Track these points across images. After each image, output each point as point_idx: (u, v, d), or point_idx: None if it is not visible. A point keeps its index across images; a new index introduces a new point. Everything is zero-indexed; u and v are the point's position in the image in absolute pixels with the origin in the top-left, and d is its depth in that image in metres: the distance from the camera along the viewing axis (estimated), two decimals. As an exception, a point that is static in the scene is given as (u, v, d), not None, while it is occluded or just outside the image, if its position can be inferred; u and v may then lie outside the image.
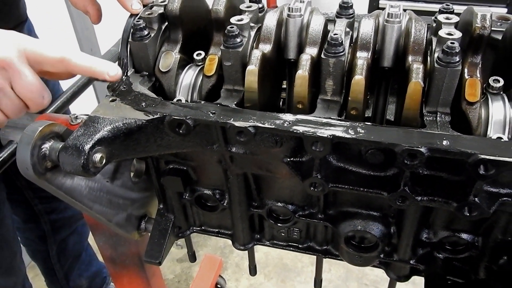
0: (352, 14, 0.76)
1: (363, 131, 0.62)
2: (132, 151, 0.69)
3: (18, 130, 0.98)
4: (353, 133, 0.62)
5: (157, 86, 0.79)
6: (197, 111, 0.68)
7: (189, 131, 0.67)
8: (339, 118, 0.65)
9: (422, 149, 0.58)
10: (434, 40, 0.68)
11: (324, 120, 0.64)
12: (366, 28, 0.71)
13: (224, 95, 0.74)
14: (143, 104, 0.70)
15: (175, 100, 0.74)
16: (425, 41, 0.69)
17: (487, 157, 0.56)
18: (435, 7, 0.81)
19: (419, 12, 0.76)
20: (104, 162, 0.65)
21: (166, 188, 0.89)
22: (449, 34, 0.65)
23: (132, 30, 0.75)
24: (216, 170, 0.84)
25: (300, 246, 0.93)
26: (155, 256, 0.93)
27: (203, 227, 0.99)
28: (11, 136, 0.99)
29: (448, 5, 0.74)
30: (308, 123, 0.64)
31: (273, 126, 0.64)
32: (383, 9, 0.77)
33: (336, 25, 0.73)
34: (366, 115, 0.86)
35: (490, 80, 0.67)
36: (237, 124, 0.65)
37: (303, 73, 0.68)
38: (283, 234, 0.93)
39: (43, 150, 0.65)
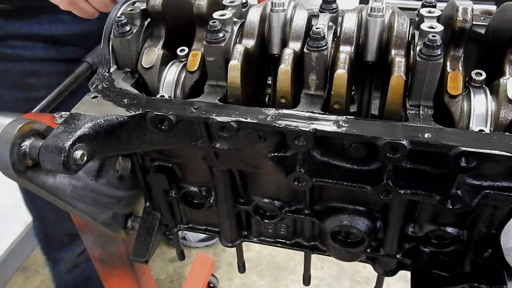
0: (335, 9, 0.76)
1: (345, 125, 0.61)
2: (114, 148, 0.69)
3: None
4: (335, 127, 0.61)
5: (141, 83, 0.79)
6: (180, 107, 0.67)
7: (171, 127, 0.67)
8: (322, 112, 0.65)
9: (404, 142, 0.58)
10: (417, 33, 0.68)
11: (307, 114, 0.64)
12: (349, 22, 0.71)
13: (208, 91, 0.74)
14: (125, 100, 0.69)
15: (158, 96, 0.73)
16: (407, 35, 0.69)
17: (468, 149, 0.56)
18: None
19: (407, 10, 0.76)
20: (85, 160, 0.64)
21: (152, 186, 0.89)
22: (431, 27, 0.65)
23: (113, 26, 0.74)
24: (201, 167, 0.83)
25: (288, 242, 0.93)
26: (142, 255, 0.93)
27: (190, 225, 0.98)
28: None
29: (431, -1, 0.74)
30: (290, 118, 0.64)
31: (256, 121, 0.64)
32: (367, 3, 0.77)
33: (319, 20, 0.73)
34: (351, 110, 0.86)
35: (473, 74, 0.67)
36: (219, 119, 0.64)
37: (285, 67, 0.67)
38: (270, 231, 0.93)
39: (23, 148, 0.64)
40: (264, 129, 0.64)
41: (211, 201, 0.88)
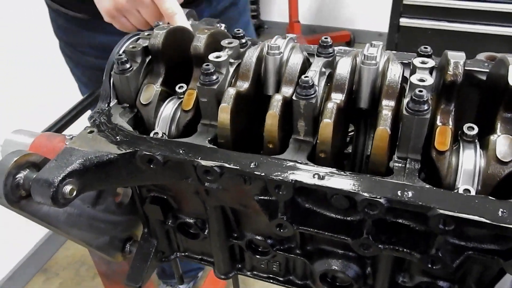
0: (331, 53, 0.76)
1: (327, 177, 0.61)
2: (105, 183, 0.71)
3: (18, 146, 1.02)
4: (316, 178, 0.61)
5: (139, 117, 0.81)
6: (168, 147, 0.69)
7: (160, 166, 0.69)
8: (306, 162, 0.65)
9: (382, 200, 0.57)
10: (408, 83, 0.67)
11: (290, 164, 0.64)
12: (342, 69, 0.71)
13: (200, 130, 0.75)
14: (118, 137, 0.71)
15: (152, 133, 0.75)
16: (399, 85, 0.68)
17: (446, 212, 0.55)
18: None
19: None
20: (74, 194, 0.66)
21: (148, 215, 0.91)
22: (421, 80, 0.64)
23: (114, 63, 0.77)
24: (195, 200, 0.85)
25: (281, 279, 0.93)
26: (136, 280, 0.95)
27: (186, 253, 1.00)
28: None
29: (426, 47, 0.73)
30: (273, 166, 0.64)
31: (238, 167, 0.64)
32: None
33: (312, 65, 0.73)
34: (348, 151, 0.86)
35: (465, 127, 0.66)
36: (203, 163, 0.65)
37: (273, 113, 0.68)
38: (263, 266, 0.93)
39: (17, 179, 0.67)
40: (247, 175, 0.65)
41: (206, 233, 0.90)
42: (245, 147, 0.79)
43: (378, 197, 0.57)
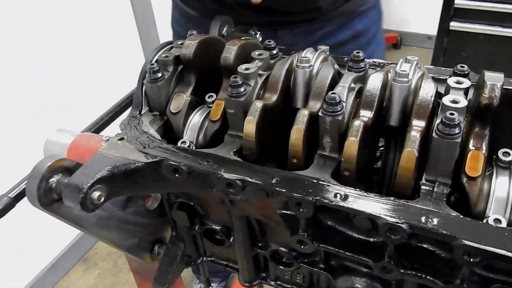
0: (362, 68, 0.74)
1: (349, 198, 0.60)
2: (132, 190, 0.73)
3: (58, 145, 1.07)
4: (338, 198, 0.60)
5: (168, 125, 0.83)
6: (193, 158, 0.70)
7: (184, 176, 0.70)
8: (329, 180, 0.64)
9: (404, 226, 0.56)
10: (441, 104, 0.65)
11: (312, 181, 0.64)
12: (372, 85, 0.69)
13: (227, 140, 0.76)
14: (146, 146, 0.73)
15: (180, 141, 0.77)
16: (430, 104, 0.65)
17: (472, 244, 0.52)
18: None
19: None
20: (102, 200, 0.69)
21: (175, 220, 0.93)
22: (454, 101, 0.62)
23: (147, 72, 0.79)
24: (221, 208, 0.85)
25: (304, 291, 0.92)
26: (162, 283, 0.97)
27: (212, 258, 1.01)
28: (51, 151, 1.08)
29: (463, 66, 0.70)
30: (295, 182, 0.64)
31: (259, 182, 0.64)
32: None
33: (341, 81, 0.71)
34: (377, 166, 0.84)
35: (500, 153, 0.62)
36: (226, 175, 0.66)
37: (298, 128, 0.67)
38: (286, 277, 0.93)
39: (50, 183, 0.70)
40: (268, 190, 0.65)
41: (231, 240, 0.90)
42: (270, 159, 0.79)
43: (400, 222, 0.56)
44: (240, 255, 0.91)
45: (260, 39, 1.07)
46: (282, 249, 0.85)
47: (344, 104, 0.67)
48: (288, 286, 0.93)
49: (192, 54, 0.79)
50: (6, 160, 2.05)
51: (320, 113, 0.67)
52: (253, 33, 1.08)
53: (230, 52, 0.77)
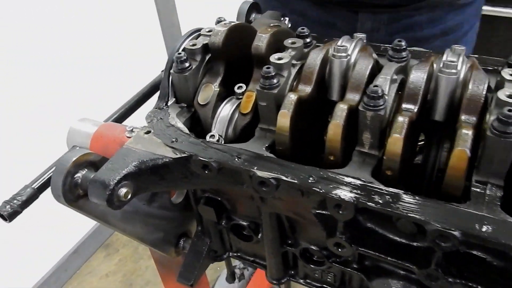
0: (405, 57, 0.69)
1: (393, 200, 0.56)
2: (159, 186, 0.70)
3: (82, 134, 1.05)
4: (380, 200, 0.56)
5: (196, 117, 0.79)
6: (224, 154, 0.66)
7: (214, 172, 0.66)
8: (370, 180, 0.59)
9: (456, 233, 0.51)
10: (495, 98, 0.59)
11: (352, 180, 0.59)
12: (416, 77, 0.64)
13: (258, 134, 0.72)
14: (174, 139, 0.70)
15: (208, 135, 0.73)
16: (482, 98, 0.60)
17: (533, 254, 0.47)
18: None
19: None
20: (129, 197, 0.66)
21: (202, 214, 0.90)
22: (510, 96, 0.56)
23: (174, 61, 0.75)
24: (249, 203, 0.82)
25: (335, 290, 0.88)
26: (188, 278, 0.94)
27: (239, 254, 0.98)
28: (74, 141, 1.06)
29: (519, 56, 0.64)
30: (333, 182, 0.59)
31: (295, 181, 0.60)
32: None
33: (382, 72, 0.66)
34: (416, 161, 0.79)
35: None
36: (259, 173, 0.62)
37: (337, 123, 0.63)
38: (317, 275, 0.89)
39: (75, 179, 0.68)
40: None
41: (259, 236, 0.87)
42: (304, 153, 0.75)
43: (452, 229, 0.51)
44: (268, 252, 0.87)
45: (289, 25, 1.02)
46: (313, 247, 0.82)
47: (386, 97, 0.62)
48: (318, 284, 0.90)
49: (221, 42, 0.74)
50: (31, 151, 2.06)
51: (360, 107, 0.62)
52: (282, 19, 1.02)
53: (261, 40, 0.72)
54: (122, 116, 1.23)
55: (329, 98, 0.74)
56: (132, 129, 0.98)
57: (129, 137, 0.97)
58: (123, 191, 0.65)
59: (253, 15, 1.03)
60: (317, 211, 0.66)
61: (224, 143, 0.74)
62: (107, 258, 2.72)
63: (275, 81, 0.68)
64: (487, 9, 3.10)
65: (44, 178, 0.91)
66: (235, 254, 0.98)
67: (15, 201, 0.81)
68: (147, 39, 2.60)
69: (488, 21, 3.16)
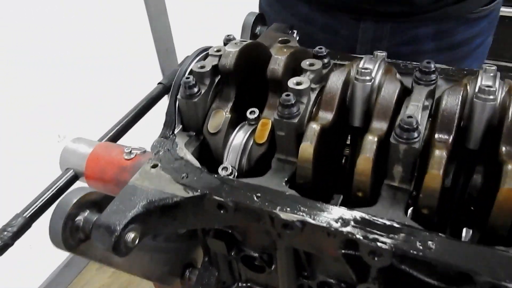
0: (434, 80, 0.64)
1: (434, 246, 0.50)
2: (170, 226, 0.64)
3: (76, 156, 0.98)
4: (422, 247, 0.51)
5: (205, 144, 0.73)
6: (241, 192, 0.60)
7: (231, 212, 0.60)
8: (408, 224, 0.54)
9: (510, 286, 0.46)
10: (539, 127, 0.54)
11: (387, 222, 0.54)
12: (450, 104, 0.59)
13: (276, 166, 0.66)
14: (184, 175, 0.63)
15: (221, 167, 0.67)
16: (526, 128, 0.55)
17: None
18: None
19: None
20: (137, 242, 0.59)
21: (210, 247, 0.84)
22: (561, 128, 0.51)
23: (181, 86, 0.69)
24: (264, 236, 0.76)
25: (355, 322, 0.83)
26: (197, 313, 0.89)
27: (249, 284, 0.92)
28: (68, 163, 0.99)
29: None
30: (367, 225, 0.54)
31: (324, 225, 0.55)
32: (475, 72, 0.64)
33: (413, 97, 0.61)
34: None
35: None
36: (283, 215, 0.56)
37: (367, 158, 0.57)
38: (334, 307, 0.84)
39: (76, 222, 0.61)
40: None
41: (272, 268, 0.81)
42: (324, 181, 0.69)
43: (506, 281, 0.46)
44: (283, 285, 0.82)
45: (297, 38, 0.96)
46: (331, 280, 0.76)
47: (420, 128, 0.56)
48: (336, 315, 0.85)
49: (233, 65, 0.68)
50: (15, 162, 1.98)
51: (392, 140, 0.56)
52: (290, 32, 0.97)
53: (278, 63, 0.66)
54: (117, 134, 1.16)
55: (350, 124, 0.68)
56: (131, 151, 0.91)
57: (128, 159, 0.91)
58: (130, 236, 0.58)
59: (259, 28, 0.97)
60: (344, 251, 0.61)
61: (237, 175, 0.68)
62: (100, 271, 2.64)
63: (295, 110, 0.62)
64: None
65: (36, 206, 0.84)
66: (244, 284, 0.93)
67: (5, 232, 0.73)
68: (136, 41, 2.52)
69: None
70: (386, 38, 1.08)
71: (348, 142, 0.80)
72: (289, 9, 1.14)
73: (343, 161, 0.83)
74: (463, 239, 0.74)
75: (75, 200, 0.60)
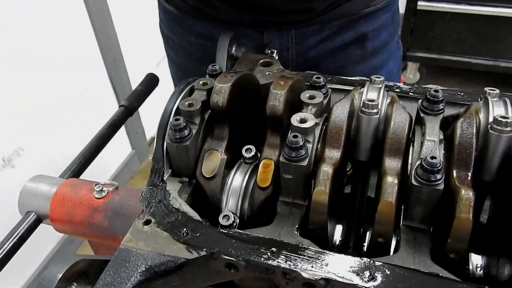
0: (441, 110, 0.61)
1: (473, 298, 0.47)
2: (171, 290, 0.56)
3: (38, 197, 0.88)
4: (461, 301, 0.47)
5: (198, 189, 0.66)
6: (252, 248, 0.54)
7: (242, 270, 0.54)
8: (435, 272, 0.50)
9: None
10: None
11: (419, 275, 0.50)
12: (465, 136, 0.56)
13: (282, 211, 0.60)
14: (184, 231, 0.56)
15: (221, 216, 0.60)
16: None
17: None
18: None
19: None
20: (138, 315, 0.52)
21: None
22: None
23: (169, 129, 0.61)
24: (265, 279, 0.70)
25: None
26: None
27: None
28: (29, 205, 0.89)
29: None
30: (397, 280, 0.49)
31: (352, 282, 0.50)
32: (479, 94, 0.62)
33: (428, 133, 0.57)
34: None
35: None
36: (305, 275, 0.51)
37: (389, 203, 0.53)
38: None
39: (64, 299, 0.52)
40: None
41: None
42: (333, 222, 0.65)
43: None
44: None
45: (277, 57, 0.91)
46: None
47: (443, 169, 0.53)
48: None
49: (225, 102, 0.62)
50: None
51: (414, 182, 0.53)
52: (269, 51, 0.91)
53: (278, 99, 0.60)
54: (81, 167, 1.06)
55: (356, 158, 0.64)
56: (102, 188, 0.83)
57: (99, 198, 0.82)
58: (131, 310, 0.51)
59: (234, 47, 0.91)
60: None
61: (239, 222, 0.62)
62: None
63: (303, 152, 0.56)
64: (423, 5, 3.17)
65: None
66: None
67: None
68: (83, 50, 2.36)
69: (424, 16, 3.25)
70: (293, 44, 1.09)
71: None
72: (190, 29, 1.13)
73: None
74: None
75: (60, 275, 0.51)
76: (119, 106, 1.21)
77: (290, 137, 0.56)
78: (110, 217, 0.79)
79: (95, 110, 2.31)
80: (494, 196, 0.62)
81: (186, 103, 0.63)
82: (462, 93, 0.71)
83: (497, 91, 0.63)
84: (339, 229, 0.78)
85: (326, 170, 0.55)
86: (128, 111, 1.20)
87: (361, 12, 1.07)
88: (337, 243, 0.78)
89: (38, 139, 2.12)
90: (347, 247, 0.76)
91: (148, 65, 2.57)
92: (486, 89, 0.64)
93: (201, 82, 0.67)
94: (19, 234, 0.85)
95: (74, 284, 0.53)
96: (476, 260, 0.65)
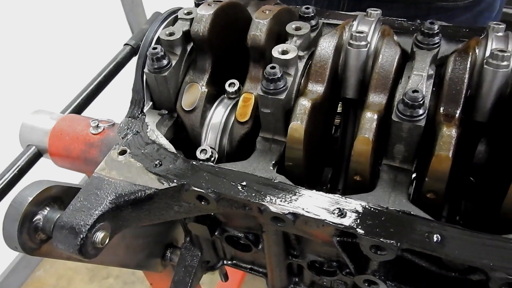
0: (437, 43, 0.56)
1: (447, 240, 0.45)
2: (143, 220, 0.56)
3: (37, 131, 0.88)
4: (431, 240, 0.45)
5: (179, 123, 0.64)
6: (223, 181, 0.53)
7: (213, 203, 0.53)
8: (410, 211, 0.48)
9: (531, 283, 0.41)
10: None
11: (390, 212, 0.48)
12: (458, 73, 0.52)
13: (261, 147, 0.58)
14: (157, 162, 0.55)
15: (199, 150, 0.59)
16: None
17: None
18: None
19: None
20: (106, 242, 0.52)
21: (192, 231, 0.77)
22: None
23: (148, 58, 0.59)
24: (250, 218, 0.70)
25: (347, 298, 0.80)
26: (180, 296, 0.84)
27: (234, 261, 0.87)
28: (29, 139, 0.90)
29: None
30: (368, 217, 0.48)
31: (319, 217, 0.48)
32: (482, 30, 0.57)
33: (415, 67, 0.53)
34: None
35: None
36: (273, 209, 0.49)
37: (365, 139, 0.50)
38: (325, 283, 0.80)
39: (35, 222, 0.53)
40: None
41: (259, 248, 0.76)
42: (313, 159, 0.63)
43: (526, 279, 0.41)
44: (271, 265, 0.77)
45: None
46: (322, 259, 0.72)
47: (426, 103, 0.49)
48: (327, 292, 0.81)
49: (206, 30, 0.59)
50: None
51: (394, 117, 0.49)
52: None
53: (260, 28, 0.57)
54: (82, 104, 1.06)
55: (343, 95, 0.61)
56: (98, 124, 0.82)
57: (95, 134, 0.82)
58: (99, 236, 0.51)
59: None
60: (339, 239, 0.55)
61: (218, 157, 0.60)
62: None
63: (281, 84, 0.53)
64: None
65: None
66: (229, 262, 0.88)
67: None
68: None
69: None
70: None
71: (339, 110, 0.72)
72: None
73: (333, 130, 0.76)
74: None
75: (30, 198, 0.52)
76: (124, 45, 1.18)
77: (268, 69, 0.53)
78: (105, 153, 0.79)
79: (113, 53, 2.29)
80: (487, 139, 0.58)
81: (167, 32, 0.61)
82: (467, 29, 0.65)
83: (503, 25, 0.57)
84: (328, 172, 0.76)
85: (304, 103, 0.53)
86: (132, 50, 1.18)
87: (434, 4, 0.97)
88: (328, 186, 0.77)
89: (53, 85, 2.12)
90: (336, 189, 0.74)
91: (166, 7, 2.52)
92: (491, 23, 0.58)
93: (185, 12, 0.64)
94: (20, 166, 0.86)
95: (47, 208, 0.54)
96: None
